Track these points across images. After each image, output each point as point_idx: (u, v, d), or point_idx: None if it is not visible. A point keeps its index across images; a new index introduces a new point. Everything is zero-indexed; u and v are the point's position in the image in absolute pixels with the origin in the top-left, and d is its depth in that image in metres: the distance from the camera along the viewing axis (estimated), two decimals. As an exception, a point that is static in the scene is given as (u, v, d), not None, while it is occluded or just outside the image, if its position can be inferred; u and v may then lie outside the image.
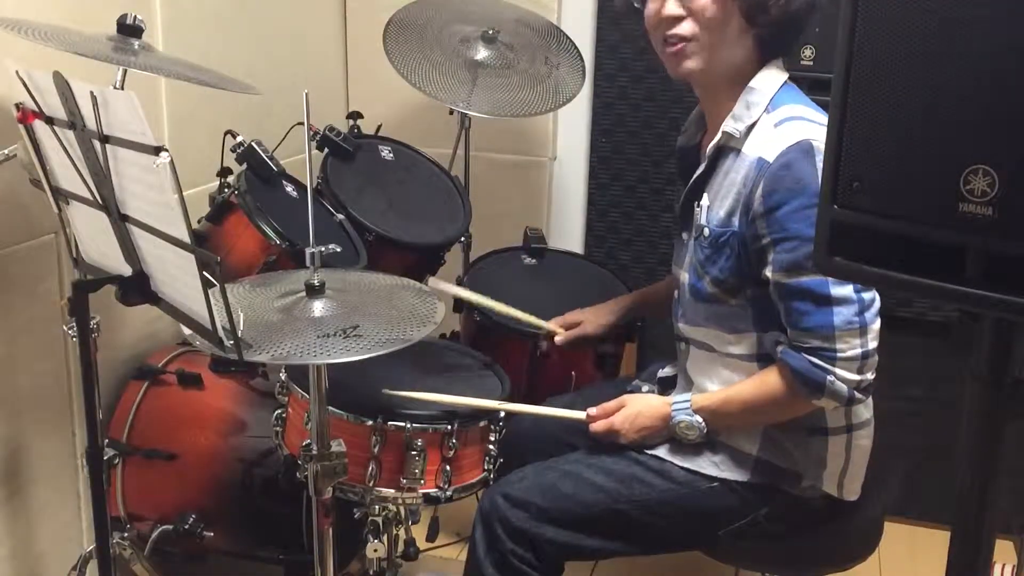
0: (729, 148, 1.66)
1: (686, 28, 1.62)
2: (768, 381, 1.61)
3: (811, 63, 2.28)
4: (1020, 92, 0.88)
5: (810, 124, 1.56)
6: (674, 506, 1.70)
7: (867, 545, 1.85)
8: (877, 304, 1.56)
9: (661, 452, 1.74)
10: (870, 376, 1.57)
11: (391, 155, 2.47)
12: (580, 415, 1.82)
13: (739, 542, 1.73)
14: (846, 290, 1.52)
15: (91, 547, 1.94)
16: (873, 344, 1.55)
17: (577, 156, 2.94)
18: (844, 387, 1.55)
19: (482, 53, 2.47)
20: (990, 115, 0.90)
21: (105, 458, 1.61)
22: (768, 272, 1.57)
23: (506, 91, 2.43)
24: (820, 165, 1.47)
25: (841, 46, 0.99)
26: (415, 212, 2.37)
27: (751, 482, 1.69)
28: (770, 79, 1.64)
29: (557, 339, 2.06)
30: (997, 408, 1.05)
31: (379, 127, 2.52)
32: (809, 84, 2.20)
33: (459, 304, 2.38)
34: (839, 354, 1.53)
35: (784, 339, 1.60)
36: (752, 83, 1.64)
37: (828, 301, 1.52)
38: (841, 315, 1.52)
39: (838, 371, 1.54)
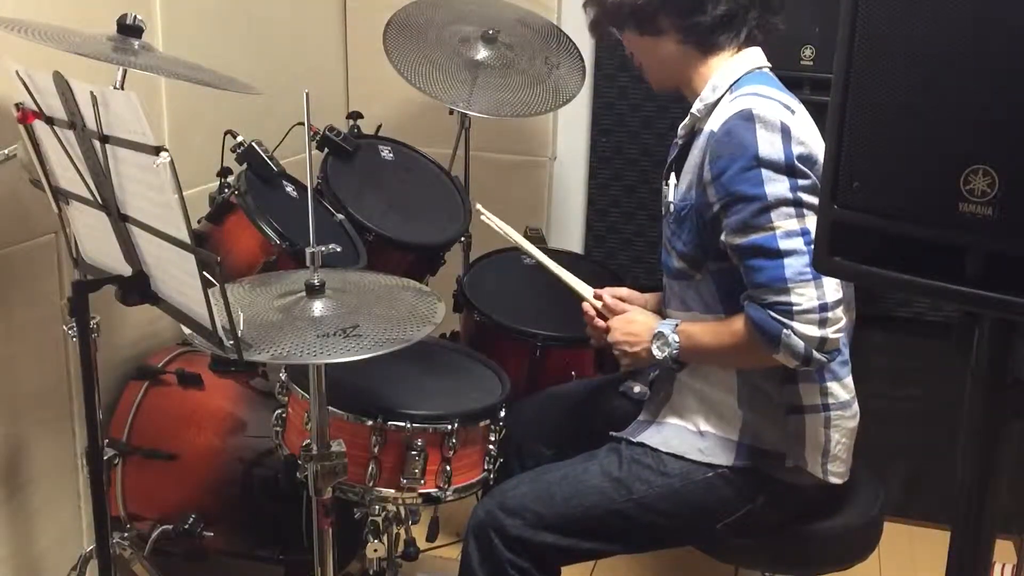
0: (698, 129, 1.72)
1: (636, 60, 1.82)
2: (735, 327, 1.63)
3: (811, 63, 2.28)
4: (1020, 92, 0.88)
5: (758, 97, 1.60)
6: (672, 501, 1.71)
7: (867, 545, 1.85)
8: None
9: (653, 442, 1.75)
10: (833, 334, 1.55)
11: (391, 155, 2.47)
12: (589, 292, 1.90)
13: (737, 537, 1.73)
14: (795, 242, 1.54)
15: (91, 547, 1.93)
16: (833, 296, 1.54)
17: (577, 156, 2.94)
18: (801, 343, 1.54)
19: (482, 53, 2.47)
20: (990, 115, 0.90)
21: (105, 458, 1.61)
22: (723, 237, 1.61)
23: (506, 91, 2.43)
24: (760, 131, 1.55)
25: (841, 46, 0.99)
26: (415, 212, 2.37)
27: (740, 468, 1.70)
28: (738, 63, 1.70)
29: (602, 291, 1.91)
30: (997, 408, 1.05)
31: (379, 127, 2.52)
32: (809, 84, 2.23)
33: (459, 304, 2.38)
34: (795, 307, 1.53)
35: (749, 293, 1.61)
36: (720, 68, 1.70)
37: (778, 254, 1.54)
38: (791, 267, 1.53)
39: (795, 325, 1.54)
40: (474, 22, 2.49)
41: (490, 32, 2.47)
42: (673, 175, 1.77)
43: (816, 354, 1.55)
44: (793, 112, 1.60)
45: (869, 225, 1.00)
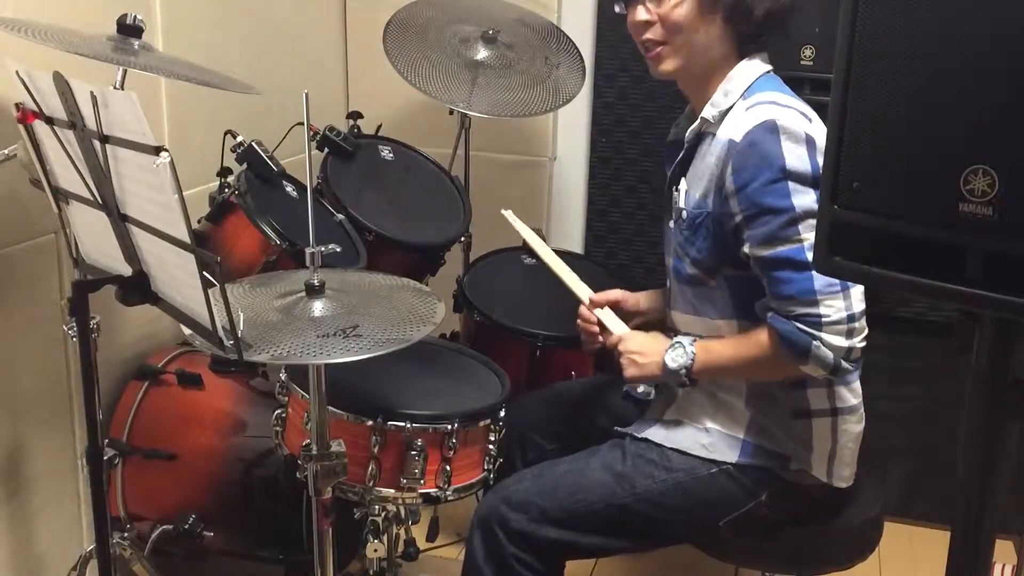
0: (706, 133, 1.71)
1: (656, 33, 1.68)
2: (759, 340, 1.63)
3: (811, 63, 2.28)
4: (1020, 92, 0.88)
5: (778, 107, 1.60)
6: (675, 496, 1.71)
7: (867, 545, 1.85)
8: None
9: (657, 438, 1.76)
10: (859, 343, 1.57)
11: (391, 155, 2.47)
12: (586, 296, 1.89)
13: (739, 536, 1.74)
14: None
15: (91, 547, 1.94)
16: (859, 307, 1.56)
17: (577, 156, 2.94)
18: (830, 353, 1.55)
19: (482, 53, 2.47)
20: (990, 115, 0.90)
21: (105, 458, 1.61)
22: (746, 248, 1.61)
23: (506, 91, 2.43)
24: (785, 143, 1.54)
25: (841, 46, 0.99)
26: (415, 212, 2.37)
27: (745, 465, 1.70)
28: (750, 68, 1.69)
29: (592, 296, 1.92)
30: (997, 408, 1.05)
31: (379, 127, 2.52)
32: (809, 84, 2.23)
33: (459, 304, 2.38)
34: (824, 319, 1.54)
35: (774, 305, 1.61)
36: (732, 73, 1.68)
37: (807, 266, 1.55)
38: (821, 279, 1.54)
39: (824, 336, 1.55)
40: (474, 22, 2.49)
41: (490, 32, 2.47)
42: (683, 180, 1.75)
43: (844, 364, 1.57)
44: (810, 120, 1.60)
45: (869, 225, 1.00)
